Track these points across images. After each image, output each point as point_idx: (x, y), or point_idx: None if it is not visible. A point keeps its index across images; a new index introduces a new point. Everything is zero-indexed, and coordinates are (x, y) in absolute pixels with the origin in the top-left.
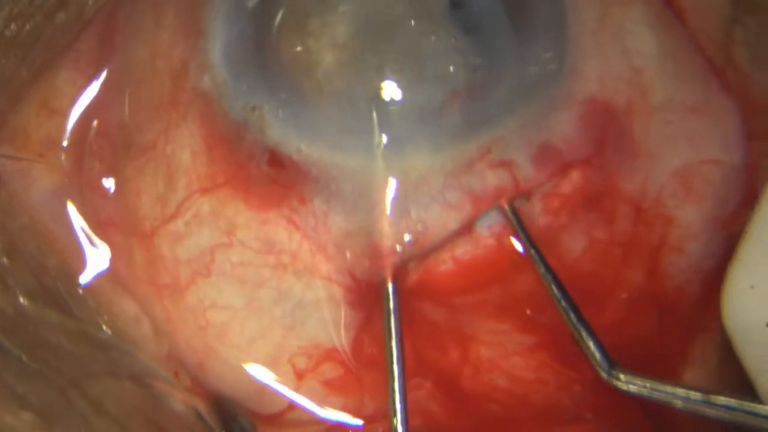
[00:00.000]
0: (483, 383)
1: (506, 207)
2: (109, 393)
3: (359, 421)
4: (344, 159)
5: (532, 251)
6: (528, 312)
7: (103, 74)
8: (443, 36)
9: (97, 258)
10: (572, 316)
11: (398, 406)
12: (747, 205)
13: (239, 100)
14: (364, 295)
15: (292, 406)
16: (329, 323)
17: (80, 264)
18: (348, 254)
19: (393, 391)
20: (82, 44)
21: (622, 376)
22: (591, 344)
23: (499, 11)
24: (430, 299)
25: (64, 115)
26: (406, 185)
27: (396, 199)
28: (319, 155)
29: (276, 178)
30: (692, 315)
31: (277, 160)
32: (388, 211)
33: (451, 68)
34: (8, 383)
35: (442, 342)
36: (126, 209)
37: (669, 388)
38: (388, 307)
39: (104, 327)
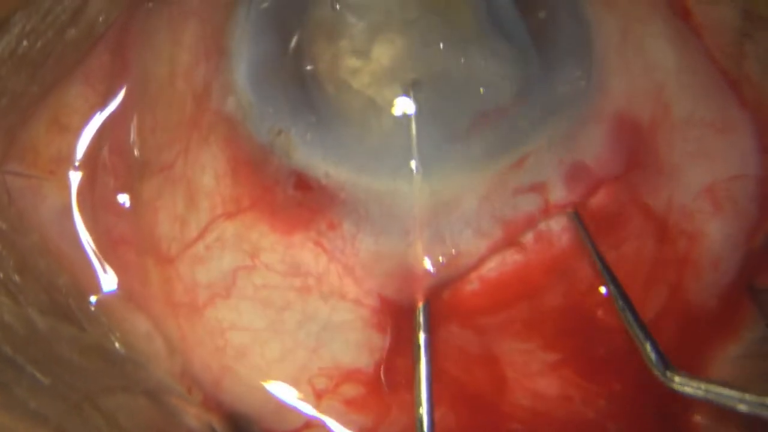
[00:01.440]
0: (508, 403)
1: (573, 215)
2: (123, 408)
3: None
4: (372, 181)
5: (591, 248)
6: (553, 329)
7: (117, 91)
8: (472, 57)
9: (108, 276)
10: (629, 316)
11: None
12: (765, 218)
13: (265, 123)
14: (393, 318)
15: (309, 424)
16: (354, 345)
17: (91, 281)
18: (377, 277)
19: (420, 415)
20: (94, 60)
21: (677, 378)
22: (648, 345)
23: (523, 31)
24: (457, 321)
25: (75, 132)
26: (437, 208)
27: (426, 222)
28: (346, 178)
29: (303, 201)
30: (713, 330)
31: (304, 184)
32: (418, 234)
33: (481, 90)
34: (22, 399)
35: (468, 364)
36: (141, 228)
37: (724, 391)
38: (418, 331)
39: (116, 343)
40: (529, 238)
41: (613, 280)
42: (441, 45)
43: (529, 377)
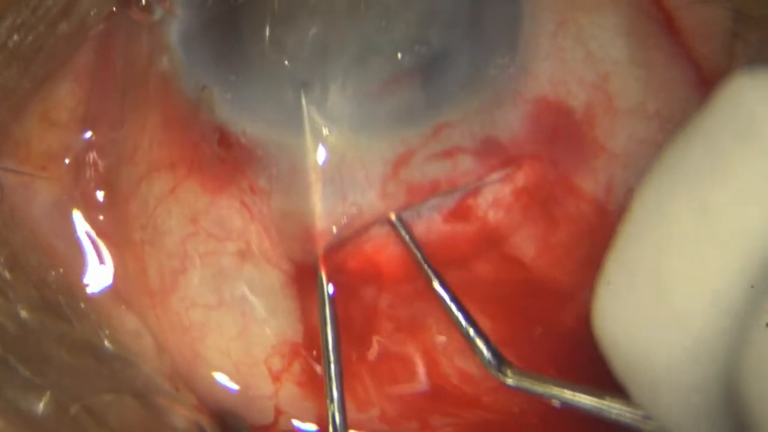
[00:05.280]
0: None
1: (392, 218)
2: (112, 408)
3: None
4: (281, 136)
5: (417, 254)
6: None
7: (98, 86)
8: (393, 22)
9: (96, 272)
10: (459, 315)
11: (335, 393)
12: None
13: (192, 79)
14: (307, 281)
15: (279, 411)
16: (284, 314)
17: (81, 278)
18: (287, 237)
19: (330, 378)
20: (81, 57)
21: (509, 372)
22: (479, 341)
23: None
24: (372, 286)
25: (65, 127)
26: (341, 166)
27: (329, 180)
28: (260, 134)
29: (226, 158)
30: None
31: (225, 140)
32: (319, 191)
33: (398, 55)
34: (11, 398)
35: (391, 331)
36: (117, 220)
37: (555, 389)
38: (322, 294)
39: (106, 341)
40: (437, 211)
41: (439, 281)
42: (362, 6)
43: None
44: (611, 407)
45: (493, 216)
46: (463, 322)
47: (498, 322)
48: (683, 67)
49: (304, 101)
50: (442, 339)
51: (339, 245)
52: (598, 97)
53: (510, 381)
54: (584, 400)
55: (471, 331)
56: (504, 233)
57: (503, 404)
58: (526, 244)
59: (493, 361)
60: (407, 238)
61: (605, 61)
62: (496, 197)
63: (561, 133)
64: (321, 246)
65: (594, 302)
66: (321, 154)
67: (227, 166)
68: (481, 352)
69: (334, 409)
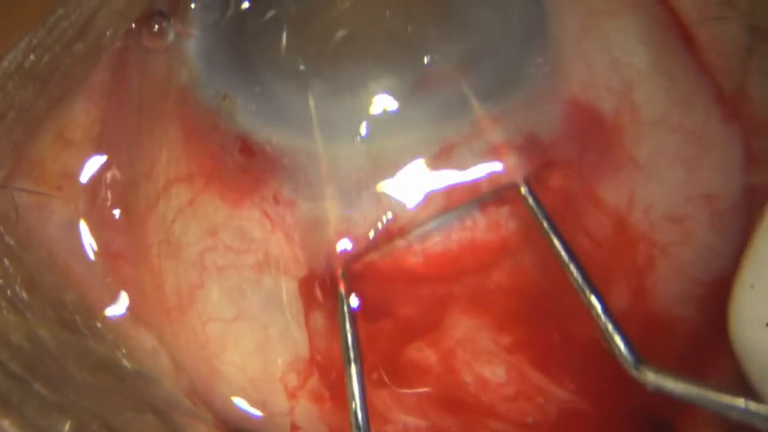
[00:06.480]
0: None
1: (522, 188)
2: (132, 426)
3: None
4: (311, 145)
5: (552, 236)
6: (505, 309)
7: (114, 105)
8: (419, 26)
9: (112, 291)
10: (598, 306)
11: (357, 400)
12: (743, 235)
13: (212, 88)
14: (326, 292)
15: (296, 428)
16: (301, 327)
17: (97, 298)
18: (315, 245)
19: (351, 390)
20: (97, 76)
21: (651, 374)
22: (617, 338)
23: (477, 3)
24: (402, 291)
25: (79, 147)
26: (376, 172)
27: (364, 186)
28: (287, 143)
29: (248, 167)
30: (694, 341)
31: (248, 149)
32: (355, 199)
33: (428, 58)
34: (30, 418)
35: (414, 337)
36: (134, 238)
37: (702, 391)
38: (342, 302)
39: (124, 360)
40: (477, 214)
41: (578, 268)
42: (387, 13)
43: (477, 358)
44: (759, 411)
45: (518, 222)
46: (601, 314)
47: (516, 329)
48: (702, 80)
49: (333, 108)
50: (461, 345)
51: (370, 250)
52: (625, 104)
53: (650, 381)
54: (733, 403)
55: (609, 327)
56: (528, 239)
57: (518, 413)
58: (547, 251)
59: (630, 359)
60: (538, 211)
61: (629, 68)
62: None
63: (591, 138)
64: (351, 254)
65: (732, 306)
66: (353, 160)
67: (249, 175)
68: (618, 348)
69: (357, 419)
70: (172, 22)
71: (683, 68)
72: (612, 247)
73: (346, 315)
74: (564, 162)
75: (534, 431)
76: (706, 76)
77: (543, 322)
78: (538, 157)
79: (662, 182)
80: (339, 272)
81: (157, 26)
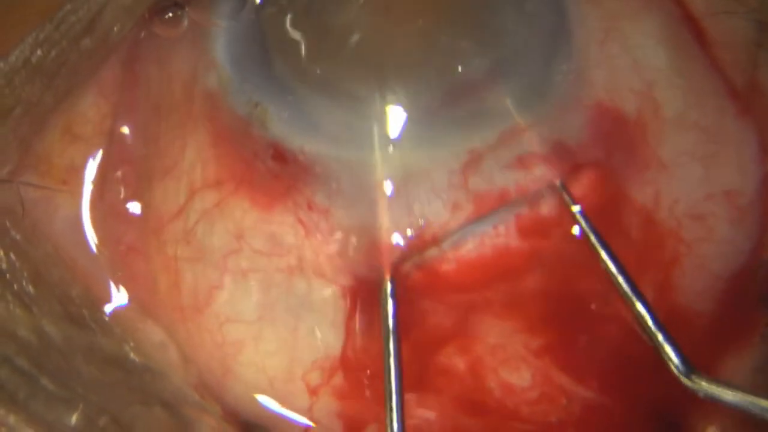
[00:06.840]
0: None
1: (558, 185)
2: (140, 419)
3: None
4: (344, 153)
5: (597, 244)
6: (536, 313)
7: (127, 101)
8: (449, 36)
9: (120, 286)
10: (647, 316)
11: (395, 409)
12: (761, 231)
13: (243, 96)
14: (367, 296)
15: (312, 424)
16: (336, 328)
17: (104, 292)
18: (350, 252)
19: (390, 393)
20: (107, 71)
21: (704, 383)
22: (667, 347)
23: (504, 14)
24: (433, 298)
25: (88, 141)
26: (407, 179)
27: (396, 193)
28: (320, 150)
29: (280, 174)
30: (715, 337)
31: (281, 156)
32: (386, 206)
33: (458, 68)
34: (38, 412)
35: (443, 343)
36: (148, 235)
37: (754, 399)
38: (386, 307)
39: (131, 354)
40: (510, 220)
41: (624, 277)
42: (420, 22)
43: (506, 363)
44: None
45: (550, 227)
46: (651, 325)
47: (546, 333)
48: (714, 77)
49: (365, 116)
50: (490, 351)
51: (404, 258)
52: (647, 105)
53: (701, 389)
54: None
55: (660, 336)
56: (560, 243)
57: (542, 414)
58: (578, 254)
59: (682, 368)
60: (583, 220)
61: (650, 69)
62: (559, 206)
63: (617, 140)
64: (387, 259)
65: None
66: (385, 168)
67: (282, 182)
68: (669, 358)
69: (393, 419)
70: (187, 10)
71: (697, 66)
72: (642, 245)
73: (390, 317)
74: (593, 164)
75: (556, 430)
76: (718, 73)
77: (572, 325)
78: (567, 162)
79: (684, 180)
80: (387, 277)
81: (170, 14)
